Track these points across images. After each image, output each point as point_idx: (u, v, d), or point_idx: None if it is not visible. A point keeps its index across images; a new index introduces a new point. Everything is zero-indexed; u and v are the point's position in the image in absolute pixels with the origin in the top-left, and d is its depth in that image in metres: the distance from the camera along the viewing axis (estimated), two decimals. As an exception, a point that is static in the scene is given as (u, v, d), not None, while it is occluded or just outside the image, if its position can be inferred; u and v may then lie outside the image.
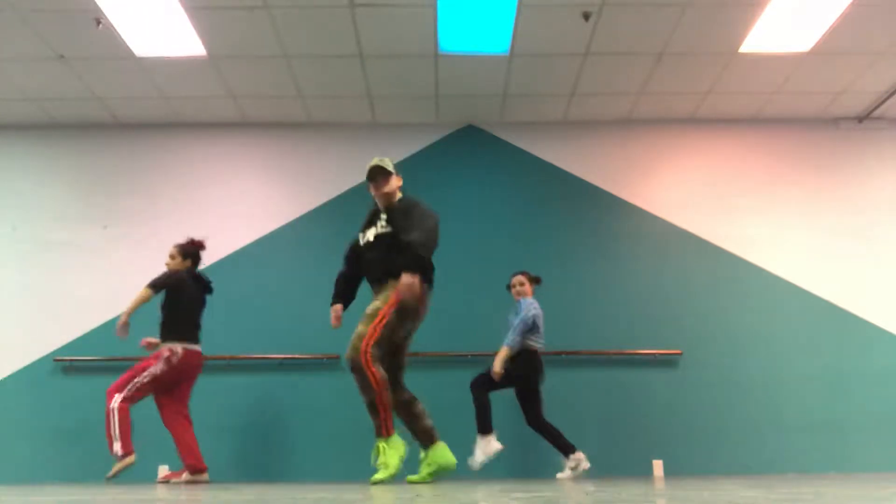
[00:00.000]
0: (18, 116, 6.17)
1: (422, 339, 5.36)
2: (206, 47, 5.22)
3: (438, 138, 6.34)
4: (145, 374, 4.52)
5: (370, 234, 3.92)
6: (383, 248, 3.80)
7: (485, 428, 4.75)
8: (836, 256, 6.04)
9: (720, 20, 4.99)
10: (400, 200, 3.93)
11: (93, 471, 5.40)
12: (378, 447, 3.56)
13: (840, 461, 5.57)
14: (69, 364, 5.71)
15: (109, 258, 6.01)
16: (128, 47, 5.20)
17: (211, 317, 5.03)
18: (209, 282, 4.92)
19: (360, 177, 6.17)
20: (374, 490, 2.77)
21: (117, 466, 4.35)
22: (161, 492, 3.00)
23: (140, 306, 4.50)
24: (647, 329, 5.83)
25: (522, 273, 5.10)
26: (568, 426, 4.91)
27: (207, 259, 5.23)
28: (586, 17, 4.88)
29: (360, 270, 4.02)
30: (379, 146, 6.26)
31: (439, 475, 3.80)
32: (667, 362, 5.79)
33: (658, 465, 5.54)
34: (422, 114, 6.24)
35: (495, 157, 6.29)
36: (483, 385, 4.83)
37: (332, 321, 4.03)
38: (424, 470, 3.79)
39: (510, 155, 6.30)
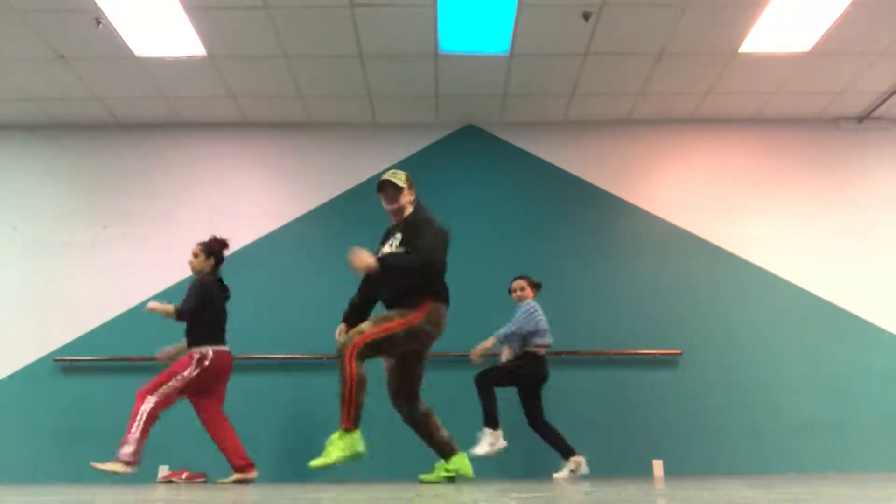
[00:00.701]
0: (18, 116, 6.17)
1: (422, 339, 5.41)
2: (206, 47, 5.22)
3: (438, 138, 6.34)
4: (177, 378, 4.42)
5: (384, 251, 3.83)
6: (394, 270, 3.70)
7: (491, 422, 4.71)
8: (836, 256, 6.04)
9: (720, 20, 4.99)
10: (412, 214, 3.84)
11: (92, 471, 5.40)
12: (333, 435, 3.56)
13: (840, 461, 5.56)
14: (69, 364, 5.71)
15: (109, 258, 6.01)
16: (128, 47, 5.20)
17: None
18: (228, 291, 4.80)
19: (361, 177, 6.24)
20: (374, 491, 2.77)
21: (109, 466, 4.18)
22: (161, 492, 3.00)
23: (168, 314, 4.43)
24: (647, 329, 5.83)
25: (523, 277, 5.08)
26: (568, 426, 4.91)
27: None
28: (586, 17, 4.88)
29: (373, 293, 3.95)
30: (379, 146, 6.27)
31: (453, 479, 3.78)
32: (667, 362, 5.79)
33: (658, 465, 5.54)
34: (422, 114, 6.23)
35: (495, 157, 6.29)
36: (487, 379, 4.80)
37: (337, 336, 3.99)
38: (440, 470, 3.78)
39: (510, 155, 6.30)
